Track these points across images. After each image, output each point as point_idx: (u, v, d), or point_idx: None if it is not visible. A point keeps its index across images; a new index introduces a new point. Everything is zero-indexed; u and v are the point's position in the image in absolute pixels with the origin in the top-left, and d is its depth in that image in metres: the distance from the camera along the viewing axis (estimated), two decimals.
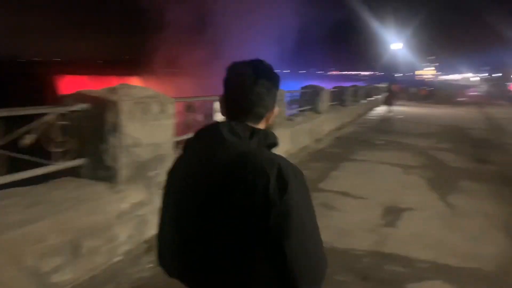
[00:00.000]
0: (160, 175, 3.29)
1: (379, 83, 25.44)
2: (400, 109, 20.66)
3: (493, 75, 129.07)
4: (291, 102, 8.51)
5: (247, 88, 1.02)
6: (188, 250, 1.02)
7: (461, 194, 5.70)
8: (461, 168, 7.44)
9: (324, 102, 9.44)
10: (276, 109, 1.12)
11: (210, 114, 5.05)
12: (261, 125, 1.08)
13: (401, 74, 29.20)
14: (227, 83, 1.08)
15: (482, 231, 4.34)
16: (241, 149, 0.96)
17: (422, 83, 55.09)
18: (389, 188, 5.85)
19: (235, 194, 0.92)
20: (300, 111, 9.01)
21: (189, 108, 4.57)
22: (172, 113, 3.37)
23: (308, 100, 9.22)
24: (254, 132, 1.00)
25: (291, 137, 7.13)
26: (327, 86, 12.86)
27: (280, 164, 0.94)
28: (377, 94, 21.56)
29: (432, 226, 4.40)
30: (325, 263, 0.99)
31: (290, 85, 9.60)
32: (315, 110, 9.27)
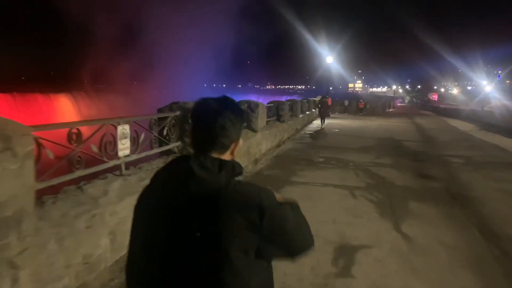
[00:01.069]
0: (14, 246, 2.14)
1: (315, 97, 25.51)
2: (335, 122, 20.81)
3: (415, 87, 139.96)
4: None
5: (212, 119, 1.07)
6: (158, 278, 1.05)
7: (414, 220, 5.11)
8: (407, 187, 6.98)
9: (260, 118, 8.63)
10: (241, 141, 1.18)
11: (110, 142, 3.78)
12: (227, 156, 1.13)
13: (331, 88, 29.58)
14: (194, 115, 1.13)
15: (448, 271, 3.68)
16: (212, 185, 1.02)
17: (355, 96, 57.53)
18: (337, 217, 5.08)
19: (212, 225, 0.99)
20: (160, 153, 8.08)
21: (72, 138, 3.13)
22: (27, 151, 2.21)
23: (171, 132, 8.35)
24: (222, 164, 1.06)
25: None
26: (264, 100, 12.20)
27: (252, 195, 1.04)
28: (314, 107, 21.46)
29: (392, 270, 3.64)
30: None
31: None
32: (250, 128, 8.41)
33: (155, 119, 4.88)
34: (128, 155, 4.06)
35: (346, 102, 33.64)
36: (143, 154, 4.49)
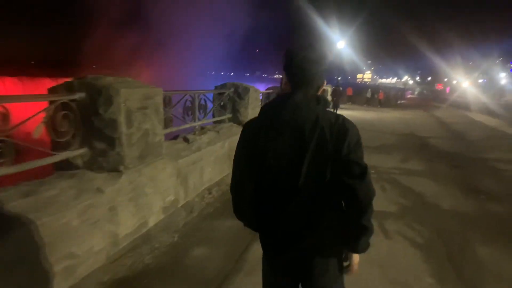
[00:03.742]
0: None
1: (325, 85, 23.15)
2: (346, 113, 18.51)
3: (425, 78, 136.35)
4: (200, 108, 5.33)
5: (311, 65, 1.43)
6: (277, 194, 1.46)
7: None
8: (461, 213, 4.76)
9: (252, 108, 6.40)
10: (325, 82, 1.51)
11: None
12: (317, 93, 1.48)
13: (339, 78, 26.62)
14: (292, 63, 1.44)
15: None
16: (317, 111, 1.38)
17: (365, 86, 54.84)
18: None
19: (322, 141, 1.36)
20: (216, 122, 5.88)
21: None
22: None
23: (226, 106, 6.11)
24: (319, 99, 1.42)
25: (176, 181, 3.96)
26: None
27: (344, 119, 1.44)
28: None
29: None
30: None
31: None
32: (237, 120, 6.18)
33: (216, 94, 5.99)
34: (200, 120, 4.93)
35: (369, 93, 29.53)
36: (209, 120, 5.46)
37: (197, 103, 4.81)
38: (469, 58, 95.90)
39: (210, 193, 4.76)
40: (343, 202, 1.46)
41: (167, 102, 4.08)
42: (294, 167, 1.38)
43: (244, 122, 5.62)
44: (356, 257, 1.57)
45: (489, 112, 24.48)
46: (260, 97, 7.91)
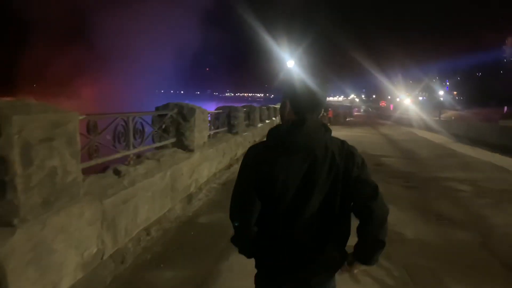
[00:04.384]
0: None
1: (274, 105, 22.95)
2: None
3: (370, 96, 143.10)
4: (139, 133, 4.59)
5: (317, 93, 1.50)
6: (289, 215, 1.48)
7: None
8: (425, 243, 4.45)
9: (199, 131, 5.76)
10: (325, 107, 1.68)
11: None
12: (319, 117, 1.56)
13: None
14: (298, 92, 1.50)
15: None
16: (326, 137, 1.48)
17: None
18: None
19: (333, 165, 1.46)
20: (157, 148, 5.17)
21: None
22: None
23: (169, 129, 5.41)
24: (326, 126, 1.51)
25: (100, 228, 3.22)
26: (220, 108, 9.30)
27: (348, 144, 1.57)
28: (275, 115, 18.81)
29: None
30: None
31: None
32: (182, 145, 5.50)
33: (156, 116, 5.24)
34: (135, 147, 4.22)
35: (322, 112, 30.57)
36: (147, 147, 4.64)
37: (131, 128, 4.09)
38: (409, 76, 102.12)
39: (148, 234, 4.03)
40: (359, 220, 1.55)
41: (91, 128, 3.36)
42: (305, 191, 1.46)
43: (190, 147, 4.95)
44: (360, 266, 1.63)
45: (432, 129, 25.63)
46: (209, 118, 7.30)
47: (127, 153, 4.07)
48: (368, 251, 1.58)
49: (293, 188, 1.45)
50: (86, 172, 3.42)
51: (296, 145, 1.42)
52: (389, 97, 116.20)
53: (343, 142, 1.54)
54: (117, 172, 3.71)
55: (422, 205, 6.05)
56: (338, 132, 21.25)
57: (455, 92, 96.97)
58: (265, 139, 1.54)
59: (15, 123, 2.12)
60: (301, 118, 1.46)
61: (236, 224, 1.57)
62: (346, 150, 1.51)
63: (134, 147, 4.23)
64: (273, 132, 1.50)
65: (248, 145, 11.16)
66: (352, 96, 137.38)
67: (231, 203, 1.58)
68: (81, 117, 3.18)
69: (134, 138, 4.22)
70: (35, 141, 2.27)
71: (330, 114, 30.20)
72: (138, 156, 4.50)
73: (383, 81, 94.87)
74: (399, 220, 5.20)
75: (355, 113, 72.97)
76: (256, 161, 1.50)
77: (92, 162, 3.37)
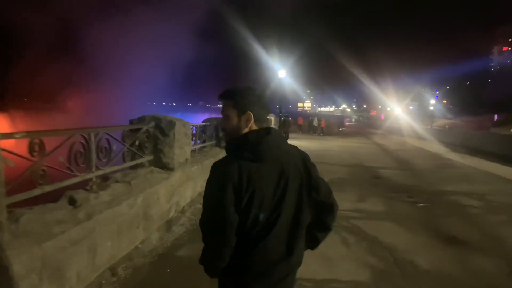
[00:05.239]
0: None
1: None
2: (291, 143, 17.61)
3: (361, 106, 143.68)
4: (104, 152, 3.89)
5: (268, 106, 1.63)
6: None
7: None
8: (446, 276, 3.75)
9: (179, 147, 5.07)
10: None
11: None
12: None
13: (278, 107, 26.38)
14: (263, 100, 1.57)
15: None
16: (286, 143, 1.58)
17: (305, 115, 55.67)
18: None
19: (296, 170, 1.52)
20: (132, 167, 4.47)
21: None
22: None
23: (145, 145, 4.71)
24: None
25: (36, 280, 2.49)
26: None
27: (302, 151, 1.67)
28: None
29: None
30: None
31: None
32: (160, 163, 4.80)
33: (127, 131, 4.41)
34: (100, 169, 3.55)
35: (315, 122, 29.70)
36: (115, 168, 3.93)
37: (93, 146, 3.40)
38: (400, 86, 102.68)
39: (114, 275, 3.30)
40: (320, 214, 1.64)
41: (34, 148, 2.66)
42: (280, 199, 1.45)
43: (169, 165, 4.26)
44: None
45: (424, 138, 25.22)
46: (193, 131, 6.62)
47: (88, 176, 3.37)
48: (320, 238, 1.71)
49: (269, 198, 1.43)
50: (33, 203, 2.74)
51: (269, 154, 1.44)
52: (379, 106, 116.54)
53: (295, 147, 1.63)
54: (72, 201, 3.00)
55: (431, 225, 5.41)
56: (332, 142, 20.72)
57: (445, 101, 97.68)
58: None
59: None
60: (267, 127, 1.53)
61: (216, 261, 1.48)
62: (302, 154, 1.62)
63: (98, 168, 3.53)
64: (243, 142, 1.45)
65: None
66: (343, 106, 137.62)
67: (209, 239, 1.49)
68: (18, 136, 2.49)
69: (98, 157, 3.53)
70: None
71: (323, 124, 29.68)
72: (106, 178, 3.80)
73: (374, 90, 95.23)
74: (410, 245, 4.56)
75: (347, 123, 72.84)
76: (234, 177, 1.38)
77: (36, 192, 2.67)
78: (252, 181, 1.39)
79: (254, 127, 1.51)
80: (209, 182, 1.46)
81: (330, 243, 4.37)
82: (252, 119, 1.50)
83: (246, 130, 1.50)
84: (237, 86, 1.55)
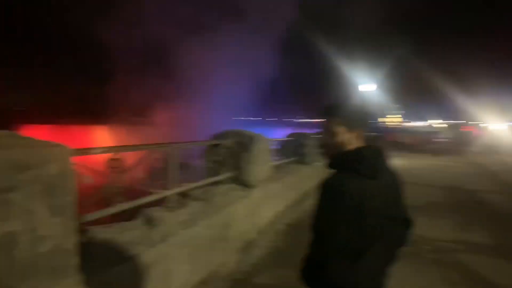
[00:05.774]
0: None
1: None
2: None
3: (453, 121, 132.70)
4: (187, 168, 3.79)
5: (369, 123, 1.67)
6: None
7: None
8: None
9: (260, 163, 4.82)
10: None
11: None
12: None
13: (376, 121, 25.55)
14: (368, 117, 1.63)
15: None
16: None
17: (391, 130, 52.65)
18: None
19: (398, 183, 1.56)
20: (211, 184, 4.32)
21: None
22: None
23: (225, 161, 4.54)
24: None
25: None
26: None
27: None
28: None
29: None
30: None
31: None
32: (240, 180, 4.59)
33: (208, 146, 4.54)
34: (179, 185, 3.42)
35: (401, 137, 28.09)
36: (193, 184, 3.80)
37: (173, 162, 3.27)
38: (498, 101, 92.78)
39: None
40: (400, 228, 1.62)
41: (113, 164, 2.58)
42: (391, 216, 1.44)
43: (250, 182, 4.00)
44: None
45: None
46: (274, 146, 6.35)
47: (167, 193, 3.24)
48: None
49: (381, 216, 1.39)
50: (107, 222, 2.64)
51: (381, 171, 1.42)
52: (474, 122, 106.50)
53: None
54: (148, 221, 2.87)
55: None
56: (421, 160, 19.06)
57: None
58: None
59: None
60: (374, 145, 1.51)
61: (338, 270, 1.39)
62: (392, 167, 1.56)
63: (177, 185, 3.40)
64: (357, 157, 1.42)
65: (319, 177, 9.91)
66: (433, 120, 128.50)
67: (334, 270, 1.40)
68: (96, 151, 2.40)
69: (177, 173, 3.40)
70: None
71: (410, 140, 27.80)
72: (184, 195, 3.67)
73: (468, 105, 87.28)
74: None
75: (436, 140, 67.49)
76: (354, 195, 1.32)
77: (113, 210, 2.56)
78: (367, 198, 1.35)
79: (359, 144, 1.50)
80: (325, 199, 1.38)
81: (431, 281, 3.73)
82: (356, 134, 1.50)
83: (351, 146, 1.48)
84: (343, 102, 1.54)
